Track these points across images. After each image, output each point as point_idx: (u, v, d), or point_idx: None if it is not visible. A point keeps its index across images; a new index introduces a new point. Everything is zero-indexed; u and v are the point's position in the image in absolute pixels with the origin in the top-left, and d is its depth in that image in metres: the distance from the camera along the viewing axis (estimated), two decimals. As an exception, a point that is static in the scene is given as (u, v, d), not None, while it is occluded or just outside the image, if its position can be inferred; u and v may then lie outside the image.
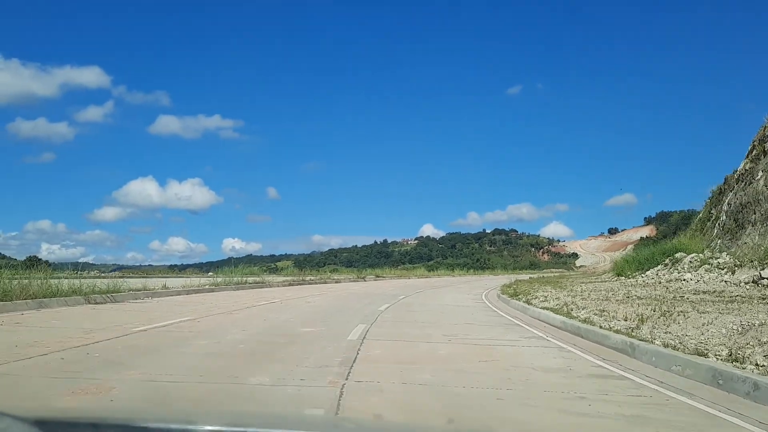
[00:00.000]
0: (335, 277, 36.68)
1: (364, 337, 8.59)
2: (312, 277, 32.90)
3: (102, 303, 12.25)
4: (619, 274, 30.15)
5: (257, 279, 24.94)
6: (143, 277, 30.62)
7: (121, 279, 25.59)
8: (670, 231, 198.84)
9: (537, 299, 17.06)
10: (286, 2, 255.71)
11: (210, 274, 53.36)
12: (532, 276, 51.09)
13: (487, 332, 9.80)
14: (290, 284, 27.32)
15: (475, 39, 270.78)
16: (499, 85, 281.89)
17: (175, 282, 19.88)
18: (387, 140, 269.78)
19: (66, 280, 13.01)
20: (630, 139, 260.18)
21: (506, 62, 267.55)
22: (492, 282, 44.77)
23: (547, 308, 13.71)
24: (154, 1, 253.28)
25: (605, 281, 29.69)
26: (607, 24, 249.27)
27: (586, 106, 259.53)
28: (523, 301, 16.40)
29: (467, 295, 24.12)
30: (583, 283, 30.39)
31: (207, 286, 19.38)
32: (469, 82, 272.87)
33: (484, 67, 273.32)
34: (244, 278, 23.58)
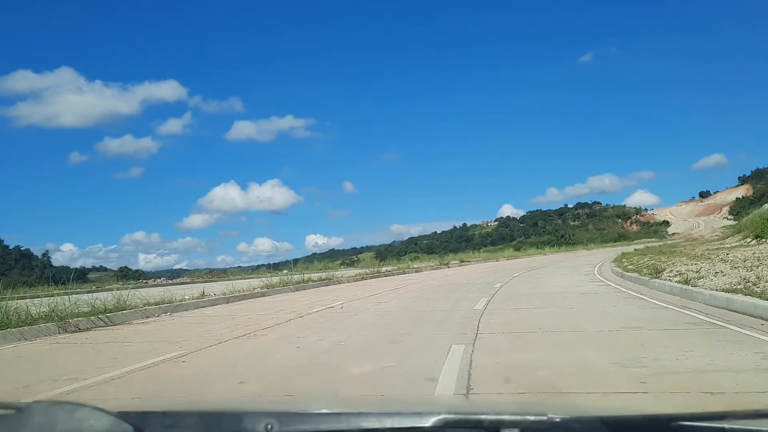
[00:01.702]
0: (415, 266, 32.65)
1: (469, 376, 4.50)
2: (389, 268, 29.00)
3: (85, 330, 8.71)
4: (759, 236, 24.37)
5: (323, 276, 21.25)
6: (206, 282, 27.84)
7: (176, 286, 22.75)
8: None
9: (690, 275, 12.30)
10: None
11: (285, 271, 50.96)
12: (636, 248, 45.06)
13: (694, 349, 5.36)
14: (362, 278, 23.50)
15: (542, 8, 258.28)
16: (570, 54, 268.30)
17: (221, 287, 16.45)
18: (458, 123, 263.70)
19: (51, 298, 9.58)
20: (714, 96, 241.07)
21: (576, 30, 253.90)
22: (592, 258, 39.32)
23: (732, 290, 9.06)
24: (220, 12, 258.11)
25: (743, 246, 24.05)
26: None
27: (664, 66, 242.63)
28: (678, 281, 11.67)
29: (579, 276, 19.39)
30: (711, 250, 24.85)
31: (258, 290, 15.80)
32: (538, 52, 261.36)
33: (554, 36, 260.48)
34: (307, 275, 19.92)
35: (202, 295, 13.81)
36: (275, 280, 17.78)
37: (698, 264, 15.35)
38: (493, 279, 19.85)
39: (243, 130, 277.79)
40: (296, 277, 18.88)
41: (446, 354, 5.59)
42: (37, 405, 0.94)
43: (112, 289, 12.09)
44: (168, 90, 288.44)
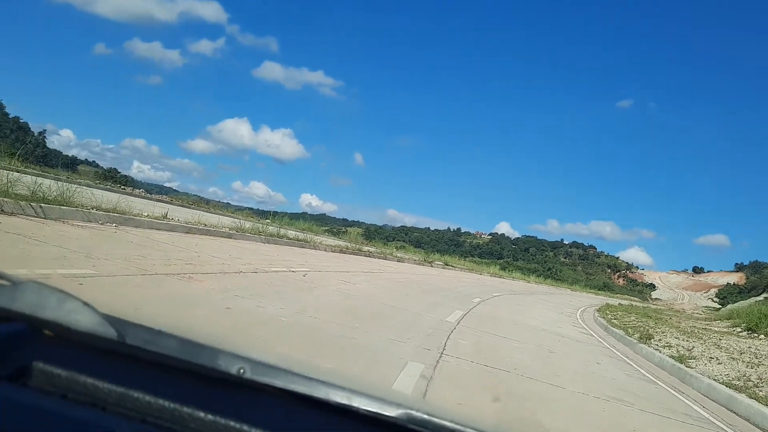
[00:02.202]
0: (399, 255, 31.46)
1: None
2: (371, 249, 27.81)
3: (8, 214, 7.49)
4: (752, 330, 23.30)
5: (300, 236, 20.05)
6: (184, 207, 26.61)
7: (149, 201, 21.56)
8: (762, 283, 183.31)
9: (682, 351, 11.21)
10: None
11: (267, 221, 49.72)
12: (621, 302, 43.99)
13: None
14: (341, 251, 22.33)
15: (590, 44, 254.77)
16: (610, 96, 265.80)
17: (191, 215, 15.24)
18: (480, 130, 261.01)
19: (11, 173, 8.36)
20: (735, 179, 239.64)
21: (621, 73, 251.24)
22: (576, 300, 38.24)
23: (733, 385, 7.94)
24: None
25: (733, 335, 22.97)
26: (737, 49, 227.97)
27: (694, 134, 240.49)
28: (669, 354, 10.54)
29: (562, 315, 18.29)
30: (699, 329, 23.77)
31: (226, 230, 14.59)
32: (582, 85, 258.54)
33: (598, 73, 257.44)
34: (283, 231, 18.70)
35: (164, 216, 12.61)
36: (248, 225, 16.54)
37: (690, 341, 14.26)
38: (473, 292, 18.71)
39: (271, 71, 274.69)
40: (272, 228, 17.66)
41: (398, 372, 4.44)
42: (31, 284, 0.92)
43: (78, 184, 10.94)
44: (209, 10, 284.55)
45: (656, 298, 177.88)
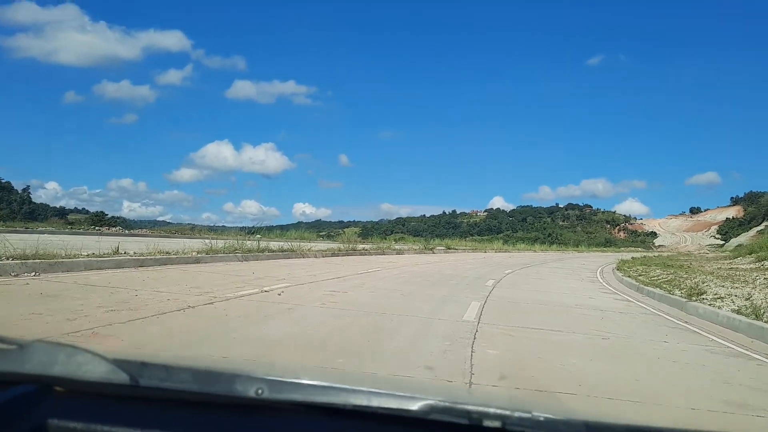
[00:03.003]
0: (397, 247, 29.55)
1: None
2: (367, 246, 25.88)
3: None
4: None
5: (285, 246, 18.06)
6: (163, 237, 24.60)
7: (127, 238, 19.51)
8: (761, 212, 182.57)
9: (745, 304, 9.34)
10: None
11: (257, 236, 47.61)
12: (634, 256, 42.26)
13: None
14: (333, 254, 20.38)
15: (557, 6, 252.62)
16: (579, 55, 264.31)
17: (155, 244, 13.26)
18: (460, 111, 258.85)
19: None
20: (716, 115, 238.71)
21: (588, 31, 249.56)
22: (587, 261, 36.44)
23: None
24: None
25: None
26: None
27: (670, 78, 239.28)
28: (735, 311, 8.67)
29: (584, 282, 16.42)
30: (727, 269, 22.02)
31: (194, 254, 12.63)
32: (548, 50, 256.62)
33: (565, 35, 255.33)
34: (264, 244, 16.74)
35: (115, 251, 10.64)
36: (220, 244, 14.55)
37: (738, 287, 12.42)
38: (483, 273, 16.82)
39: (243, 89, 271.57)
40: (250, 243, 15.68)
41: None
42: (38, 344, 0.94)
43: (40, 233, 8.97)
44: (172, 40, 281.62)
45: (660, 245, 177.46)
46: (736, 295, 10.94)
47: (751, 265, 24.64)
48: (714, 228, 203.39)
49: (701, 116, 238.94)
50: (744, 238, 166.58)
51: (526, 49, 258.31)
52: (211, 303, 6.69)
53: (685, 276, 16.07)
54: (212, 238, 15.53)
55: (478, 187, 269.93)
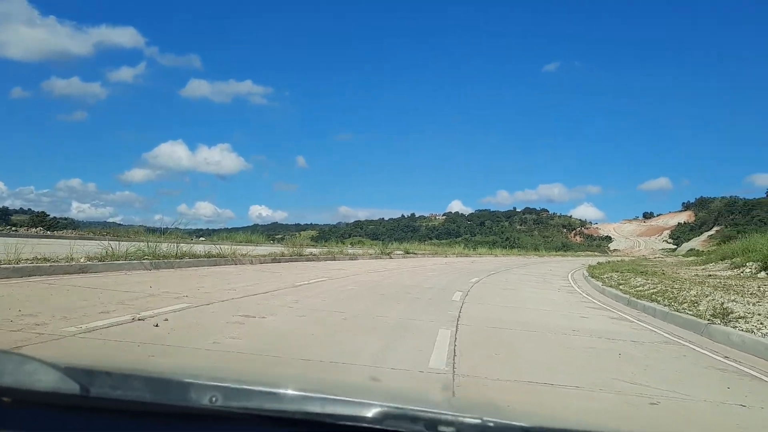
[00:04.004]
0: (351, 251, 26.97)
1: None
2: (315, 251, 23.22)
3: None
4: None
5: (215, 250, 15.26)
6: (89, 239, 21.44)
7: (34, 240, 16.30)
8: (711, 218, 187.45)
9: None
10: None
11: (201, 239, 44.17)
12: (599, 261, 40.74)
13: None
14: (274, 260, 17.67)
15: (513, 12, 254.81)
16: (536, 61, 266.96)
17: (67, 249, 10.40)
18: (418, 114, 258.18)
19: None
20: (667, 122, 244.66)
21: (544, 38, 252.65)
22: (553, 266, 34.61)
23: None
24: None
25: (754, 277, 19.56)
26: (653, 2, 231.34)
27: (624, 86, 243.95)
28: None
29: (563, 294, 14.17)
30: (709, 277, 20.31)
31: (81, 261, 9.83)
32: (505, 56, 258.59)
33: (522, 41, 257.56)
34: (187, 248, 13.90)
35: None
36: (124, 248, 11.69)
37: (754, 302, 10.33)
38: (448, 283, 14.45)
39: (198, 88, 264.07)
40: (165, 247, 12.84)
41: None
42: None
43: None
44: (125, 36, 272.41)
45: (615, 249, 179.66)
46: (759, 314, 8.83)
47: (730, 272, 23.03)
48: (666, 233, 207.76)
49: (653, 123, 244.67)
50: (695, 242, 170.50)
51: (484, 55, 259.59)
52: (23, 346, 4.03)
53: (676, 286, 14.02)
54: (151, 241, 12.71)
55: (437, 191, 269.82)
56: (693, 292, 12.24)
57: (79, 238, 21.82)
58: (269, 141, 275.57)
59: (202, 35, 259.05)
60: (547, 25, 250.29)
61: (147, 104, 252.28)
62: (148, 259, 11.74)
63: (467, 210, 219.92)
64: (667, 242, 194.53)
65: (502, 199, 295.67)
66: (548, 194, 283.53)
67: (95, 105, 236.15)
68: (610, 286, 15.78)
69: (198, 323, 5.70)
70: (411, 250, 37.04)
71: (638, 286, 15.24)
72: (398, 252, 35.14)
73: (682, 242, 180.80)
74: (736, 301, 10.56)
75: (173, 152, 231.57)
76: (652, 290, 13.81)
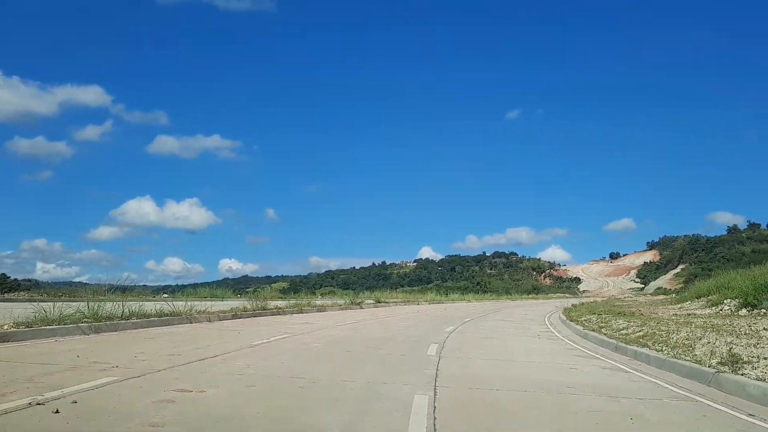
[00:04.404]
0: (319, 303, 25.73)
1: None
2: (281, 304, 21.93)
3: None
4: (752, 305, 19.26)
5: (168, 309, 13.96)
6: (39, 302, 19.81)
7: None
8: (675, 256, 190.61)
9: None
10: (285, 25, 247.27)
11: (165, 295, 42.19)
12: (573, 303, 40.12)
13: None
14: (236, 315, 16.38)
15: (475, 63, 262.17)
16: (499, 110, 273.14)
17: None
18: (386, 163, 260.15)
19: None
20: (628, 164, 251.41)
21: (505, 86, 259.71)
22: (528, 310, 33.76)
23: None
24: (153, 21, 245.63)
25: (735, 315, 18.97)
26: (608, 48, 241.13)
27: (584, 131, 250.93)
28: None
29: (541, 339, 13.23)
30: (692, 315, 19.68)
31: (5, 328, 8.57)
32: (468, 105, 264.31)
33: (485, 89, 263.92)
34: (136, 306, 12.59)
35: None
36: (67, 309, 10.34)
37: (752, 344, 9.54)
38: (422, 333, 13.41)
39: (165, 144, 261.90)
40: (109, 307, 11.53)
41: None
42: None
43: None
44: (91, 95, 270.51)
45: (584, 290, 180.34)
46: (765, 357, 8.01)
47: (708, 310, 22.46)
48: (633, 272, 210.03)
49: (613, 165, 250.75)
50: (662, 281, 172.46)
51: (448, 102, 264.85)
52: None
53: (663, 328, 13.22)
54: (94, 301, 11.40)
55: (407, 238, 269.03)
56: (683, 335, 11.44)
57: (29, 300, 20.19)
58: (238, 194, 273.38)
59: (168, 91, 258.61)
60: (507, 72, 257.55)
61: (114, 161, 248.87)
62: (87, 321, 10.45)
63: (437, 256, 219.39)
64: (635, 281, 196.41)
65: (472, 244, 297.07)
66: (516, 238, 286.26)
67: (61, 164, 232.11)
68: (592, 330, 14.94)
69: (114, 405, 4.57)
70: (382, 299, 35.85)
71: (622, 329, 14.42)
72: (369, 301, 33.93)
73: (649, 281, 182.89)
74: (734, 344, 9.75)
75: (141, 209, 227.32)
76: (638, 333, 12.99)
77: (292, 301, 23.35)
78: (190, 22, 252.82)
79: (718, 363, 7.61)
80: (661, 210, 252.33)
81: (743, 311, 18.85)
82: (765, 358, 7.97)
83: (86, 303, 11.11)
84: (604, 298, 64.57)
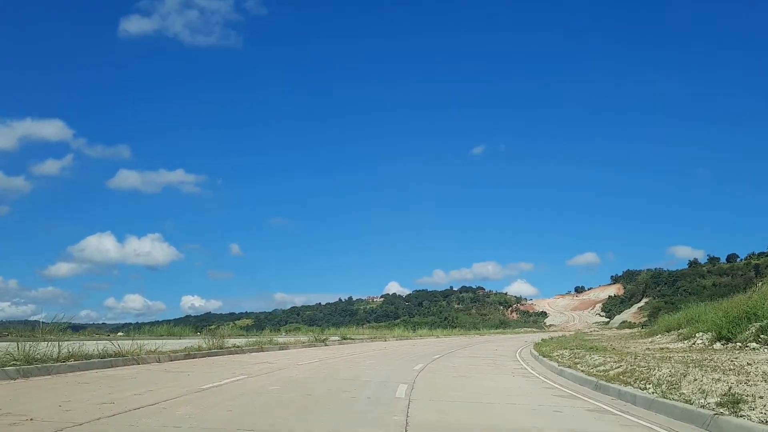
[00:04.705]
0: (282, 341, 24.50)
1: None
2: (240, 342, 20.69)
3: None
4: (726, 338, 18.85)
5: (112, 349, 12.75)
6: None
7: None
8: (639, 290, 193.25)
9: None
10: (251, 60, 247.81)
11: (120, 333, 40.24)
12: (542, 337, 39.59)
13: None
14: (189, 355, 15.16)
15: (440, 99, 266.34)
16: (463, 144, 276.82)
17: None
18: (352, 198, 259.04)
19: None
20: (590, 200, 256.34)
21: (470, 122, 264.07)
22: (498, 345, 33.04)
23: None
24: (117, 55, 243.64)
25: (710, 348, 18.57)
26: (568, 83, 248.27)
27: (546, 166, 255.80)
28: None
29: (516, 377, 12.47)
30: (667, 349, 19.25)
31: None
32: (434, 141, 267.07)
33: (450, 125, 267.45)
34: (77, 347, 11.40)
35: None
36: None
37: (742, 381, 8.95)
38: (389, 374, 12.50)
39: (128, 179, 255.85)
40: (43, 348, 10.33)
41: None
42: None
43: None
44: (51, 129, 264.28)
45: (550, 324, 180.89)
46: (761, 396, 7.39)
47: (681, 344, 22.06)
48: (599, 306, 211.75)
49: (576, 201, 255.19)
50: (627, 314, 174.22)
51: (413, 138, 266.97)
52: None
53: (643, 364, 12.61)
54: (24, 340, 10.22)
55: (374, 273, 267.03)
56: (665, 371, 10.82)
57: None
58: (202, 229, 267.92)
59: (132, 125, 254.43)
60: (471, 107, 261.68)
61: (73, 196, 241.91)
62: (15, 364, 9.29)
63: (405, 291, 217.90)
64: (600, 315, 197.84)
65: (439, 279, 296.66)
66: (483, 272, 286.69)
67: (18, 199, 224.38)
68: (568, 366, 14.26)
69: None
70: (348, 335, 34.68)
71: (598, 365, 13.78)
72: (334, 338, 32.75)
73: (614, 315, 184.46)
74: (720, 380, 9.16)
75: (101, 244, 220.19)
76: (617, 369, 12.36)
77: (253, 339, 22.13)
78: (154, 56, 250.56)
79: (717, 404, 6.94)
80: (623, 244, 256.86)
81: (717, 345, 18.45)
82: (761, 397, 7.37)
83: (16, 343, 9.92)
84: (571, 332, 64.47)
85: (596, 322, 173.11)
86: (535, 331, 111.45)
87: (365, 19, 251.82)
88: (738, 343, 17.15)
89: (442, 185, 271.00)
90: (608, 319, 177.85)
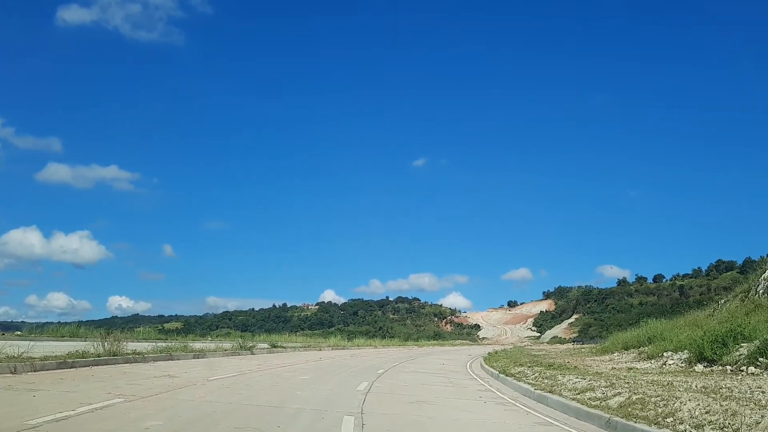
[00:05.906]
0: (198, 347, 20.95)
1: None
2: (146, 347, 17.12)
3: None
4: (711, 360, 16.73)
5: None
6: None
7: None
8: (569, 306, 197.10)
9: None
10: (191, 58, 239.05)
11: (17, 333, 35.33)
12: (488, 350, 37.33)
13: None
14: (72, 365, 11.64)
15: (384, 110, 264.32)
16: (405, 157, 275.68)
17: None
18: (290, 204, 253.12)
19: None
20: (523, 217, 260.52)
21: (413, 135, 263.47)
22: (443, 358, 30.42)
23: None
24: (53, 44, 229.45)
25: (691, 372, 16.49)
26: (506, 99, 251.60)
27: (485, 182, 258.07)
28: None
29: (495, 404, 9.69)
30: (635, 370, 17.13)
31: None
32: (376, 152, 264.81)
33: (394, 138, 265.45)
34: None
35: None
36: None
37: (736, 410, 6.49)
38: (327, 396, 9.48)
39: (57, 172, 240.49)
40: None
41: None
42: None
43: None
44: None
45: (483, 337, 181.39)
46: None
47: (649, 364, 19.95)
48: (530, 320, 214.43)
49: (511, 217, 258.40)
50: (558, 330, 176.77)
51: (354, 148, 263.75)
52: None
53: (648, 392, 10.05)
54: None
55: (310, 281, 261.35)
56: (692, 405, 8.26)
57: None
58: (134, 228, 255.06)
59: (65, 118, 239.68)
60: (414, 120, 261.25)
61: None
62: None
63: (340, 299, 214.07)
64: (531, 330, 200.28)
65: (375, 289, 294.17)
66: (419, 283, 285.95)
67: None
68: (549, 391, 11.61)
69: None
70: (279, 343, 31.26)
71: (585, 390, 11.16)
72: (263, 345, 29.29)
73: (545, 329, 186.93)
74: (744, 415, 6.65)
75: (25, 239, 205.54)
76: (616, 398, 9.75)
77: (162, 344, 18.54)
78: (92, 48, 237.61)
79: None
80: (555, 261, 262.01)
81: (699, 367, 16.32)
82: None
83: None
84: (506, 346, 62.87)
85: (528, 336, 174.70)
86: (469, 344, 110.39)
87: (311, 27, 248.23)
88: (728, 366, 15.01)
89: (382, 196, 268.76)
90: (539, 334, 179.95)
